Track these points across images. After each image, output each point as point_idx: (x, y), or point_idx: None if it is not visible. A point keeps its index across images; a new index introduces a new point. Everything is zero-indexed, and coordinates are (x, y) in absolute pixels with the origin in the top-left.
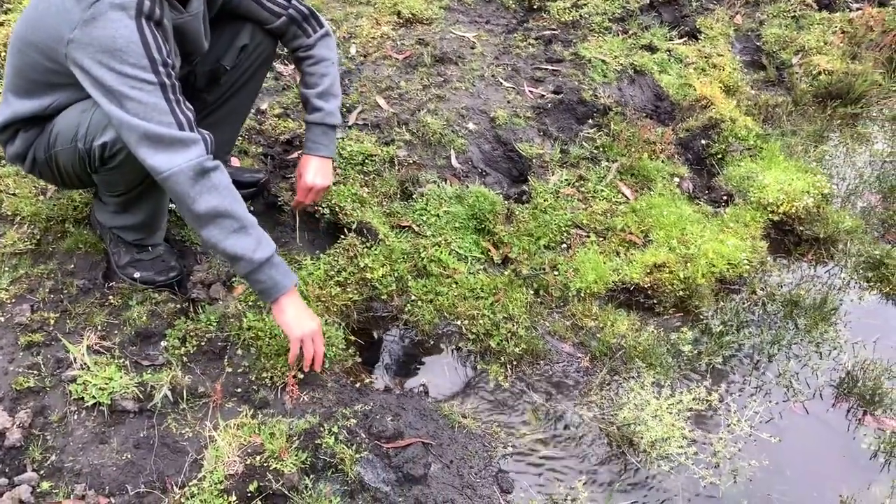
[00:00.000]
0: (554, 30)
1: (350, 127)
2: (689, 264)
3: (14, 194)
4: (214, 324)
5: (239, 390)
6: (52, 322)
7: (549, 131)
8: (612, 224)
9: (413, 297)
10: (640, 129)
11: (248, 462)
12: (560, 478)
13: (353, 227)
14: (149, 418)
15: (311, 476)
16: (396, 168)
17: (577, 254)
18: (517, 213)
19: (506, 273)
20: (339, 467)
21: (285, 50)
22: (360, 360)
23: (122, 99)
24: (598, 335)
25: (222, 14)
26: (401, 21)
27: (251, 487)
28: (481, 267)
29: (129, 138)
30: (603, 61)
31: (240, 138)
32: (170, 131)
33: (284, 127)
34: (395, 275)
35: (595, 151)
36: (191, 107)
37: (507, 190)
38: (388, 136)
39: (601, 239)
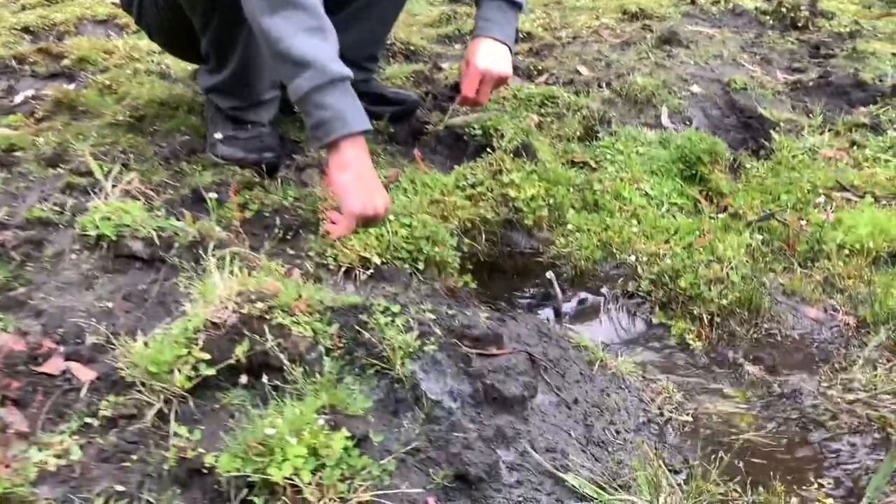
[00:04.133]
0: (825, 38)
1: (535, 84)
2: None
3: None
4: (292, 198)
5: (291, 265)
6: (105, 171)
7: (808, 108)
8: None
9: (571, 228)
10: None
11: (245, 311)
12: (786, 475)
13: (509, 148)
14: (156, 271)
15: (337, 363)
16: (583, 115)
17: (843, 215)
18: (748, 166)
19: (719, 217)
20: (385, 363)
21: None
22: (475, 286)
23: None
24: (872, 300)
25: None
26: (625, 17)
27: (238, 350)
28: (682, 215)
29: None
30: (893, 54)
31: (407, 80)
32: None
33: (457, 76)
34: (551, 201)
35: (876, 120)
36: None
37: (738, 148)
38: (584, 91)
39: (883, 204)
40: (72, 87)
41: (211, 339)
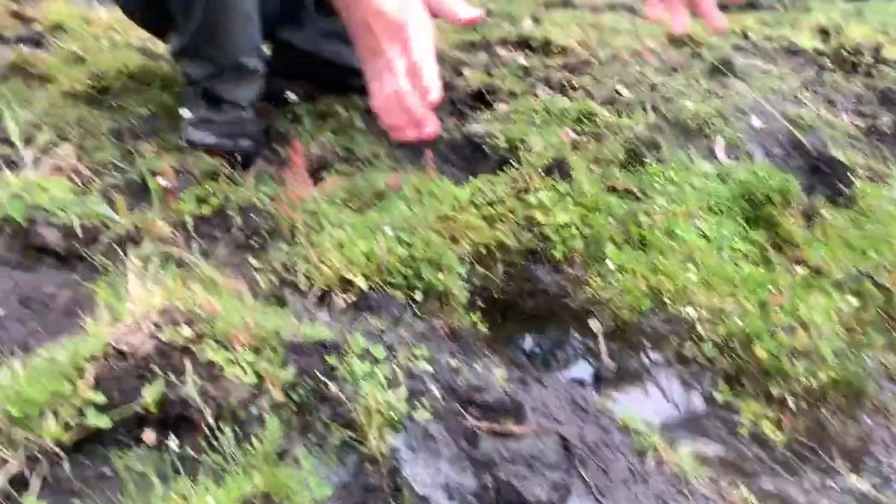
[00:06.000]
0: (892, 86)
1: (570, 99)
2: None
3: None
4: (265, 197)
5: (248, 279)
6: (36, 141)
7: (885, 157)
8: None
9: (611, 267)
10: None
11: (165, 337)
12: None
13: (538, 164)
14: (72, 270)
15: (287, 425)
16: (626, 137)
17: None
18: (824, 213)
19: (797, 270)
20: (356, 432)
21: None
22: (486, 330)
23: None
24: None
25: None
26: (671, 42)
27: (147, 393)
28: (748, 264)
29: None
30: None
31: None
32: None
33: (480, 80)
34: (587, 231)
35: None
36: None
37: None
38: (626, 112)
39: None
40: (37, 52)
41: (112, 372)
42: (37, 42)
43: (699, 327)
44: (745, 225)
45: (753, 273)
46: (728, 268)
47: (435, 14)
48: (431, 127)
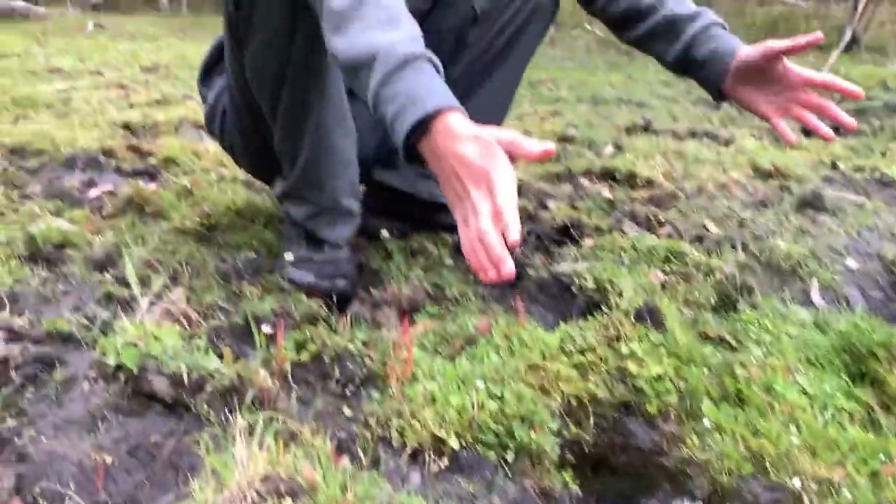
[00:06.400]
0: None
1: (657, 236)
2: None
3: (221, 178)
4: (359, 343)
5: (343, 435)
6: (151, 283)
7: None
8: None
9: (707, 425)
10: None
11: None
12: None
13: (629, 310)
14: (178, 419)
15: None
16: (716, 278)
17: None
18: None
19: None
20: None
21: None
22: (577, 488)
23: None
24: None
25: None
26: (757, 174)
27: None
28: (854, 426)
29: None
30: None
31: None
32: None
33: (565, 214)
34: (682, 385)
35: None
36: None
37: None
38: (715, 251)
39: None
40: (151, 186)
41: None
42: (151, 175)
43: (806, 499)
44: (848, 380)
45: (861, 438)
46: (833, 431)
47: (512, 157)
48: (508, 267)
